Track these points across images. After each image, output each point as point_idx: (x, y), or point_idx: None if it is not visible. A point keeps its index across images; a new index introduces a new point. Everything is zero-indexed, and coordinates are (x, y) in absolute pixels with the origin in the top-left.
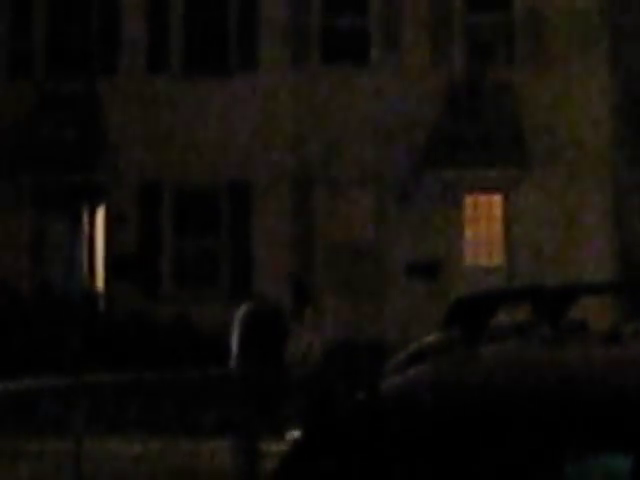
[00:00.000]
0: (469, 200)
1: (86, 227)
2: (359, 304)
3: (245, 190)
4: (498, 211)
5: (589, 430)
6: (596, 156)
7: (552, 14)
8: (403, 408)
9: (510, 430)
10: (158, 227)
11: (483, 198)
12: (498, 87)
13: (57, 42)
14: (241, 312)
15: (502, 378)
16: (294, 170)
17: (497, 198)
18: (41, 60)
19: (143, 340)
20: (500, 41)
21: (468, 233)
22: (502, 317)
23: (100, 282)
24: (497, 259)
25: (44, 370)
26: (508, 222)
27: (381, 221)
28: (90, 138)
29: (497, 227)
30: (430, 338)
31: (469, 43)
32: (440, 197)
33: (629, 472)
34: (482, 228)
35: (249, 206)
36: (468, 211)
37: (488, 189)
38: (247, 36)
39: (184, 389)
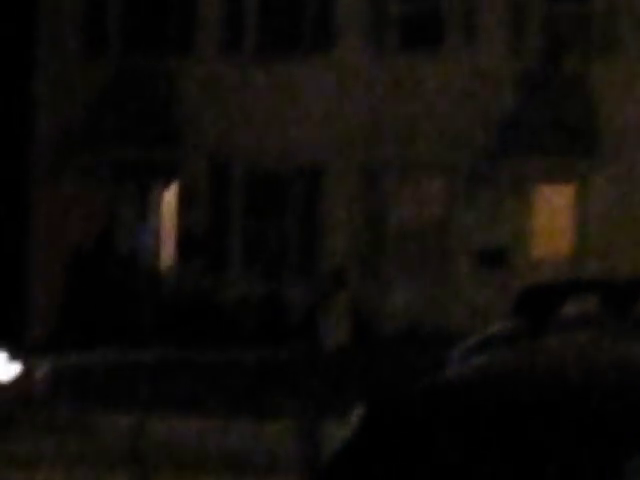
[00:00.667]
0: (540, 189)
1: (157, 204)
2: (426, 289)
3: (316, 172)
4: (568, 201)
5: None
6: None
7: (630, 7)
8: (466, 397)
9: (572, 423)
10: (228, 207)
11: (554, 187)
12: (573, 77)
13: (133, 20)
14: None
15: (566, 370)
16: (366, 153)
17: (568, 188)
18: (117, 38)
19: (209, 318)
20: (577, 32)
21: (537, 222)
22: (570, 309)
23: (169, 259)
24: (566, 250)
25: (111, 345)
26: (578, 213)
27: (450, 207)
28: (164, 116)
29: (567, 217)
30: (497, 327)
31: (546, 32)
32: (511, 185)
33: None
34: (552, 218)
35: (319, 188)
36: (538, 200)
37: (559, 179)
38: (324, 16)
39: (249, 368)
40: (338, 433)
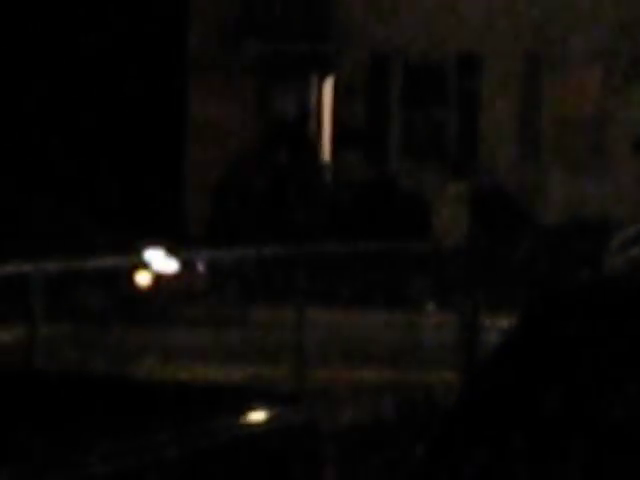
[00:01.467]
0: None
1: (314, 97)
2: (584, 179)
3: (474, 63)
4: None
5: None
6: None
7: None
8: (624, 287)
9: None
10: (386, 99)
11: None
12: None
13: None
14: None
15: None
16: (524, 43)
17: None
18: None
19: (368, 211)
20: None
21: None
22: None
23: (327, 153)
24: None
25: (270, 239)
26: None
27: (609, 96)
28: (322, 6)
29: None
30: None
31: None
32: None
33: None
34: None
35: (478, 79)
36: None
37: None
38: None
39: (408, 262)
40: (498, 325)
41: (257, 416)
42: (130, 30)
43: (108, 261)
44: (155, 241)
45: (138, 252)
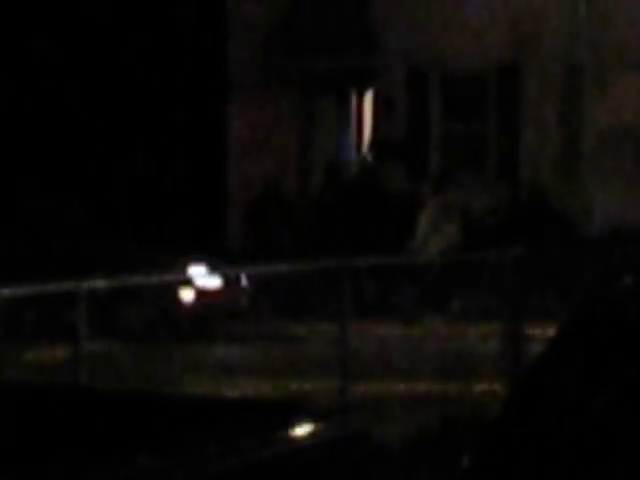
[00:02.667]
0: None
1: (354, 111)
2: (627, 191)
3: (514, 75)
4: None
5: None
6: None
7: None
8: None
9: None
10: (426, 111)
11: None
12: None
13: None
14: None
15: None
16: (564, 55)
17: None
18: None
19: (410, 225)
20: None
21: None
22: None
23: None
24: None
25: (308, 254)
26: None
27: None
28: (359, 21)
29: None
30: None
31: None
32: None
33: None
34: None
35: (518, 91)
36: None
37: None
38: None
39: (451, 272)
40: (543, 335)
41: (304, 430)
42: (170, 47)
43: (152, 278)
44: (198, 258)
45: (181, 269)
